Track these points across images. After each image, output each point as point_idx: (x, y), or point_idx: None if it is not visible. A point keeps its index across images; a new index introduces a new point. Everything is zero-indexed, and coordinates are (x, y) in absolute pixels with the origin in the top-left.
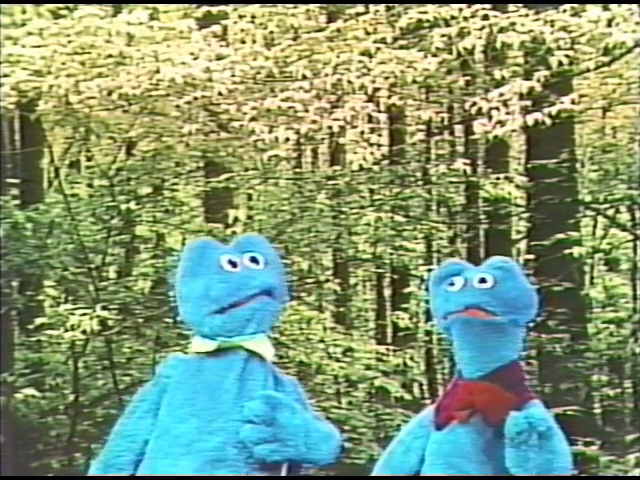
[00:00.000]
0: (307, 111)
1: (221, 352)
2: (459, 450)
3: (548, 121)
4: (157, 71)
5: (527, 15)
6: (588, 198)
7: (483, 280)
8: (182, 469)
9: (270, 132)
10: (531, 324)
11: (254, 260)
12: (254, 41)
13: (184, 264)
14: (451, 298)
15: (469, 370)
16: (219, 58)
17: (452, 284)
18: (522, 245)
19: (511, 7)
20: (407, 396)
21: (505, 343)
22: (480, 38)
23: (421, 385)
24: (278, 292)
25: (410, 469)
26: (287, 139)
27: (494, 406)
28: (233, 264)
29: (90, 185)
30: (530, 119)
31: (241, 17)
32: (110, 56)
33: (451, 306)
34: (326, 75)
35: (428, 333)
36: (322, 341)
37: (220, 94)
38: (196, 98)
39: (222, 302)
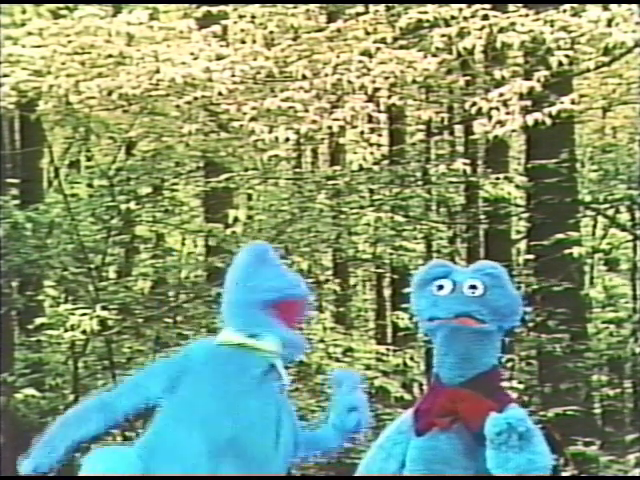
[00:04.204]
0: (307, 111)
1: None
2: (441, 456)
3: (548, 121)
4: (157, 71)
5: (527, 15)
6: (588, 198)
7: (473, 287)
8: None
9: (270, 132)
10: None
11: None
12: (254, 41)
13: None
14: (440, 303)
15: (450, 376)
16: (219, 58)
17: (440, 287)
18: (522, 245)
19: (511, 7)
20: (407, 396)
21: (488, 350)
22: (480, 38)
23: (421, 385)
24: None
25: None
26: (287, 139)
27: (476, 413)
28: None
29: (90, 185)
30: (530, 119)
31: (241, 17)
32: (110, 56)
33: (440, 312)
34: (326, 75)
35: None
36: (322, 341)
37: (220, 94)
38: (196, 98)
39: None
